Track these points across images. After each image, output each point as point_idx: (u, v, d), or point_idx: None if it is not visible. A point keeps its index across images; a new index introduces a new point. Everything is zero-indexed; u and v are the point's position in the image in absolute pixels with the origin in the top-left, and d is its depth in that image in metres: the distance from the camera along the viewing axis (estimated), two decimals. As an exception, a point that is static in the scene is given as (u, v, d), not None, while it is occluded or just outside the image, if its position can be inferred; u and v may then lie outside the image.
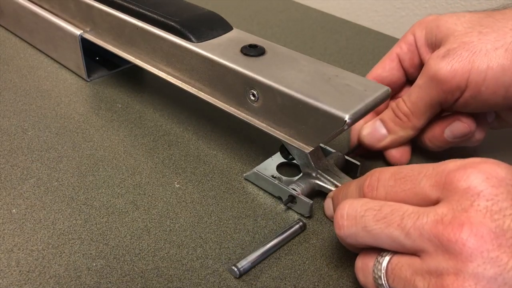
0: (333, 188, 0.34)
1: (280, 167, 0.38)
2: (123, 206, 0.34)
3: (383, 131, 0.37)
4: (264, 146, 0.41)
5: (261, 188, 0.37)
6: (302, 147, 0.33)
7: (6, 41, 0.57)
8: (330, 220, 0.33)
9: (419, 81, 0.34)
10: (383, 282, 0.23)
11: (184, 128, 0.43)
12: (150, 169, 0.38)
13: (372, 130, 0.38)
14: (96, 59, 0.53)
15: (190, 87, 0.39)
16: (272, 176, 0.36)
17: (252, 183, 0.37)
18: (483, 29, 0.32)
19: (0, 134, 0.41)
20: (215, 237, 0.32)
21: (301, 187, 0.34)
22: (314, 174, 0.35)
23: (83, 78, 0.50)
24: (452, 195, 0.21)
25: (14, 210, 0.34)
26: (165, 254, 0.31)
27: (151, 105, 0.46)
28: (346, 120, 0.29)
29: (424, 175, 0.23)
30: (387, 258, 0.24)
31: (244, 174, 0.37)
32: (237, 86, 0.35)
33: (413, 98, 0.35)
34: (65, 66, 0.52)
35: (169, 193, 0.36)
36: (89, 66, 0.50)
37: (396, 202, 0.24)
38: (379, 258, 0.24)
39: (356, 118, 0.29)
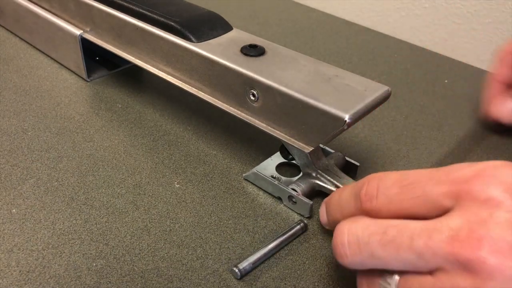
0: (333, 188, 0.34)
1: (280, 167, 0.38)
2: (123, 206, 0.34)
3: None
4: (264, 146, 0.41)
5: (260, 188, 0.37)
6: (302, 147, 0.33)
7: (6, 41, 0.57)
8: (326, 227, 0.31)
9: None
10: None
11: (184, 128, 0.43)
12: (150, 169, 0.38)
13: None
14: (96, 59, 0.53)
15: (190, 87, 0.39)
16: (272, 176, 0.36)
17: (252, 183, 0.37)
18: None
19: (0, 134, 0.41)
20: (215, 237, 0.32)
21: (301, 187, 0.34)
22: (314, 174, 0.35)
23: (83, 78, 0.50)
24: (467, 205, 0.20)
25: (14, 210, 0.34)
26: (165, 254, 0.31)
27: (151, 105, 0.46)
28: (346, 120, 0.29)
29: (436, 182, 0.21)
30: (396, 278, 0.22)
31: (244, 174, 0.37)
32: (237, 86, 0.35)
33: None
34: (65, 66, 0.52)
35: (169, 193, 0.36)
36: (89, 66, 0.50)
37: (401, 220, 0.22)
38: (387, 278, 0.22)
39: (356, 118, 0.29)
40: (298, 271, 0.30)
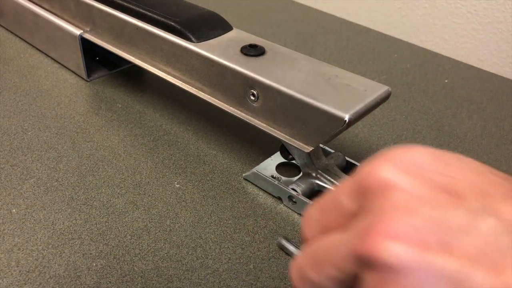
0: (333, 188, 0.34)
1: (279, 167, 0.38)
2: (123, 206, 0.34)
3: None
4: (264, 146, 0.41)
5: (261, 188, 0.37)
6: (302, 147, 0.33)
7: (6, 41, 0.57)
8: None
9: None
10: None
11: (184, 128, 0.43)
12: (150, 169, 0.38)
13: None
14: (96, 59, 0.53)
15: (190, 87, 0.39)
16: (272, 176, 0.36)
17: (252, 183, 0.37)
18: None
19: (0, 134, 0.41)
20: (215, 237, 0.32)
21: (301, 187, 0.34)
22: (314, 174, 0.35)
23: (83, 78, 0.50)
24: (367, 197, 0.18)
25: (14, 210, 0.34)
26: (165, 254, 0.31)
27: (151, 105, 0.46)
28: (346, 120, 0.29)
29: (342, 191, 0.20)
30: None
31: (244, 174, 0.37)
32: (237, 86, 0.35)
33: None
34: (65, 66, 0.52)
35: (169, 193, 0.36)
36: (89, 66, 0.50)
37: (324, 236, 0.21)
38: None
39: (356, 118, 0.29)
40: (298, 271, 0.30)
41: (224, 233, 0.33)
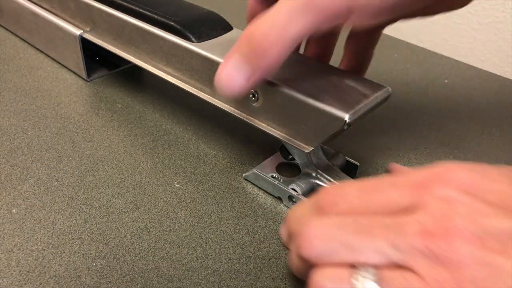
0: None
1: (279, 167, 0.38)
2: (123, 206, 0.34)
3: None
4: (264, 146, 0.41)
5: (260, 188, 0.37)
6: (302, 147, 0.33)
7: (6, 41, 0.57)
8: (286, 247, 0.29)
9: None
10: None
11: (184, 128, 0.43)
12: (150, 169, 0.38)
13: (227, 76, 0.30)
14: (96, 59, 0.53)
15: (190, 87, 0.39)
16: (272, 176, 0.36)
17: (252, 183, 0.37)
18: None
19: (0, 134, 0.41)
20: (215, 237, 0.32)
21: (301, 187, 0.34)
22: (314, 174, 0.35)
23: (83, 78, 0.50)
24: (429, 203, 0.21)
25: (14, 210, 0.34)
26: (165, 254, 0.31)
27: (151, 105, 0.46)
28: (346, 120, 0.29)
29: (397, 186, 0.22)
30: (373, 270, 0.21)
31: (244, 174, 0.37)
32: (237, 86, 0.35)
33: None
34: (65, 66, 0.52)
35: (169, 193, 0.36)
36: (89, 66, 0.50)
37: (370, 215, 0.22)
38: (361, 272, 0.21)
39: (356, 118, 0.29)
40: (298, 271, 0.30)
41: (224, 233, 0.33)
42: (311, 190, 0.35)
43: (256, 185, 0.37)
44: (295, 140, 0.33)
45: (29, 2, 0.53)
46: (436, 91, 0.52)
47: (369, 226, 0.22)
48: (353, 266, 0.22)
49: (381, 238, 0.21)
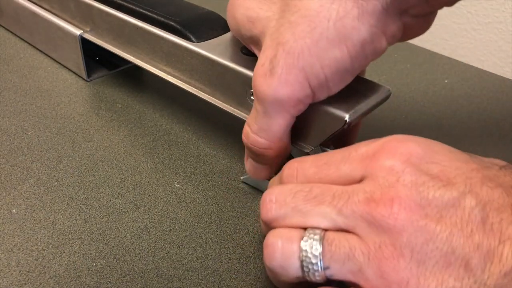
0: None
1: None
2: (123, 206, 0.34)
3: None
4: (264, 146, 0.41)
5: (259, 190, 0.37)
6: (302, 146, 0.33)
7: (6, 41, 0.57)
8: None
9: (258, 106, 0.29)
10: (318, 261, 0.23)
11: (184, 128, 0.43)
12: (150, 169, 0.38)
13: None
14: (96, 59, 0.53)
15: (190, 87, 0.39)
16: (270, 177, 0.36)
17: (250, 185, 0.37)
18: (292, 17, 0.27)
19: (0, 134, 0.41)
20: (215, 237, 0.32)
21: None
22: (314, 174, 0.35)
23: (83, 78, 0.50)
24: (376, 173, 0.23)
25: (14, 210, 0.34)
26: (165, 254, 0.31)
27: (151, 105, 0.46)
28: (346, 120, 0.29)
29: (347, 159, 0.24)
30: (319, 233, 0.23)
31: (242, 178, 0.37)
32: (237, 86, 0.35)
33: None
34: (65, 66, 0.52)
35: (169, 193, 0.36)
36: (89, 66, 0.50)
37: (323, 183, 0.25)
38: (309, 233, 0.23)
39: (356, 118, 0.29)
40: (298, 271, 0.30)
41: (224, 233, 0.33)
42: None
43: (255, 188, 0.37)
44: (294, 140, 0.33)
45: (29, 2, 0.53)
46: (436, 91, 0.52)
47: (320, 194, 0.24)
48: (304, 229, 0.24)
49: (329, 205, 0.23)
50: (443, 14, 0.62)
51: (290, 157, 0.37)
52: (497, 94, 0.52)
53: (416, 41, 0.65)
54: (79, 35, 0.47)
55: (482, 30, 0.59)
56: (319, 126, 0.31)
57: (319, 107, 0.30)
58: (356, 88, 0.32)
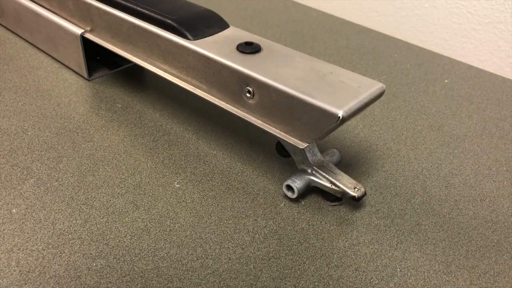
0: (328, 185, 0.34)
1: None
2: (123, 206, 0.34)
3: None
4: (264, 146, 0.41)
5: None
6: (297, 143, 0.33)
7: (6, 41, 0.57)
8: None
9: None
10: None
11: (184, 128, 0.43)
12: (150, 169, 0.38)
13: None
14: (97, 58, 0.53)
15: (187, 84, 0.39)
16: None
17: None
18: None
19: (0, 134, 0.41)
20: (215, 237, 0.32)
21: (296, 183, 0.34)
22: (309, 170, 0.35)
23: (83, 78, 0.50)
24: None
25: (14, 210, 0.34)
26: (165, 254, 0.31)
27: (151, 105, 0.46)
28: (340, 116, 0.29)
29: None
30: None
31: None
32: (233, 83, 0.35)
33: None
34: (66, 66, 0.52)
35: (169, 193, 0.36)
36: (90, 65, 0.50)
37: None
38: None
39: (350, 114, 0.30)
40: (297, 271, 0.30)
41: (224, 233, 0.33)
42: (306, 186, 0.35)
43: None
44: (290, 137, 0.33)
45: (30, 1, 0.53)
46: (436, 91, 0.52)
47: None
48: None
49: None
50: (443, 14, 0.62)
51: (285, 153, 0.37)
52: (497, 94, 0.52)
53: (416, 41, 0.65)
54: (80, 34, 0.47)
55: (482, 30, 0.59)
56: (314, 122, 0.31)
57: (313, 104, 0.30)
58: (350, 84, 0.32)
